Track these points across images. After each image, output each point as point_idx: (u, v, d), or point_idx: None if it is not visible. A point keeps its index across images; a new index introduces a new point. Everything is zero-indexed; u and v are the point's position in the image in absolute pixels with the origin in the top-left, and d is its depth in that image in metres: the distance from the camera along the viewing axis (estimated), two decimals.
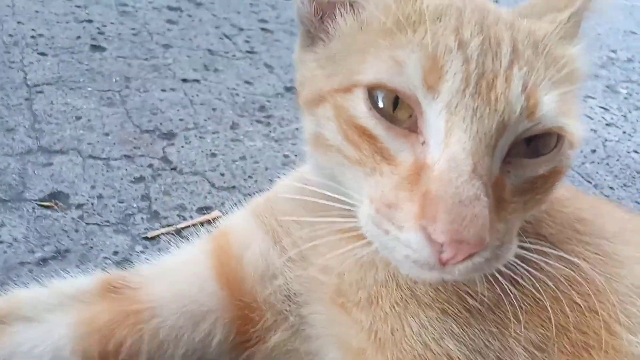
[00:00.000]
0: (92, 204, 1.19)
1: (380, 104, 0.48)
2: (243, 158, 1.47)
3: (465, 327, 0.56)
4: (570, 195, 0.71)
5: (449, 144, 0.46)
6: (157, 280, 0.73)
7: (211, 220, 1.23)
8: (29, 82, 1.54)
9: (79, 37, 1.83)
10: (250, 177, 1.40)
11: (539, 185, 0.51)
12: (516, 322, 0.55)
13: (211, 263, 0.74)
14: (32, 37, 1.77)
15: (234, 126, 1.60)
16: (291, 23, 2.34)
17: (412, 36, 0.48)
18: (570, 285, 0.56)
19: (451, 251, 0.44)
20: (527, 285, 0.55)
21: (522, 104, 0.46)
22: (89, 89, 1.59)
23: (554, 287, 0.55)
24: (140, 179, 1.30)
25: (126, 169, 1.32)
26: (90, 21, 1.97)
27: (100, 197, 1.21)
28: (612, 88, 2.73)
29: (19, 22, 1.82)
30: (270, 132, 1.62)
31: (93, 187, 1.23)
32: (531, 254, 0.52)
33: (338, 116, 0.51)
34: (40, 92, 1.51)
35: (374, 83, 0.48)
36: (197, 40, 2.03)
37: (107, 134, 1.42)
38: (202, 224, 1.21)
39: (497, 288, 0.54)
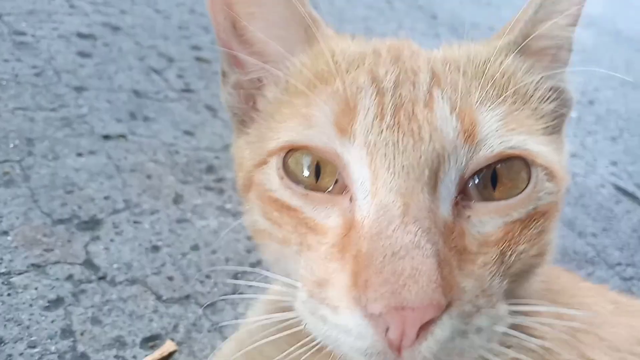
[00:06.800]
0: None
1: (306, 172, 0.44)
2: (195, 248, 1.15)
3: None
4: (614, 309, 0.58)
5: (376, 191, 0.40)
6: None
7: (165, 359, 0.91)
8: None
9: None
10: (207, 277, 1.08)
11: (518, 232, 0.42)
12: None
13: None
14: None
15: (177, 199, 1.27)
16: None
17: (325, 89, 0.45)
18: None
19: (395, 325, 0.34)
20: None
21: (455, 126, 0.41)
22: None
23: None
24: (58, 301, 0.95)
25: (36, 288, 0.96)
26: None
27: (1, 342, 0.85)
28: None
29: None
30: (224, 202, 1.31)
31: None
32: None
33: (259, 195, 0.47)
34: None
35: (283, 145, 0.44)
36: (118, 79, 1.66)
37: (6, 233, 1.05)
38: None
39: None
